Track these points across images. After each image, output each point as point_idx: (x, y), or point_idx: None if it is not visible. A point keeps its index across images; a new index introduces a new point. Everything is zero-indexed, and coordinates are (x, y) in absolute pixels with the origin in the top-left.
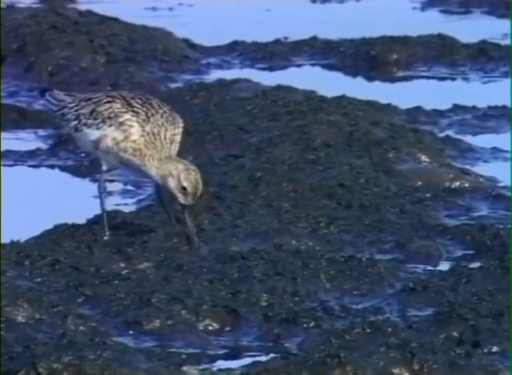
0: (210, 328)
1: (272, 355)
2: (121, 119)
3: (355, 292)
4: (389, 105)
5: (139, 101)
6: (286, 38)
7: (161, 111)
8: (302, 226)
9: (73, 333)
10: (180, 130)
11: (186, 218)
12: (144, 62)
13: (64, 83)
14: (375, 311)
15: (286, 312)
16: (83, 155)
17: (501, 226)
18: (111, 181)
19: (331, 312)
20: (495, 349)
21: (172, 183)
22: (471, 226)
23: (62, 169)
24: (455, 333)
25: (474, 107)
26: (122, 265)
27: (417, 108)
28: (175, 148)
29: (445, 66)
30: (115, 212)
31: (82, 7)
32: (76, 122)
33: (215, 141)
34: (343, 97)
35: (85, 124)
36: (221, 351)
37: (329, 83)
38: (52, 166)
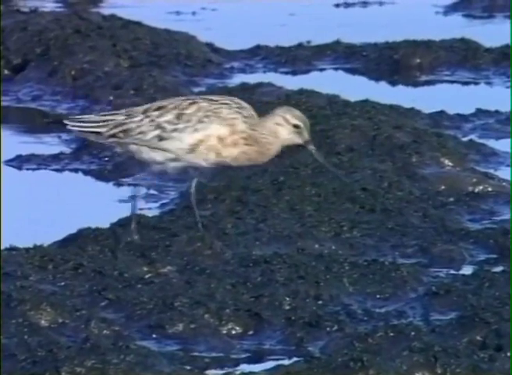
0: (233, 332)
1: (294, 358)
2: (222, 115)
3: (378, 296)
4: (412, 109)
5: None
6: (309, 42)
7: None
8: (325, 230)
9: (96, 337)
10: None
11: (315, 155)
12: (167, 66)
13: (87, 87)
14: (397, 315)
15: (308, 316)
16: (106, 159)
17: None
18: (134, 186)
19: (354, 315)
20: None
21: (285, 131)
22: (494, 230)
23: (86, 173)
24: (478, 337)
25: (497, 111)
26: (146, 269)
27: (441, 113)
28: None
29: (468, 70)
30: (138, 216)
31: (105, 11)
32: (158, 131)
33: None
34: (366, 101)
35: (175, 130)
36: (244, 355)
37: (352, 88)
38: (76, 170)
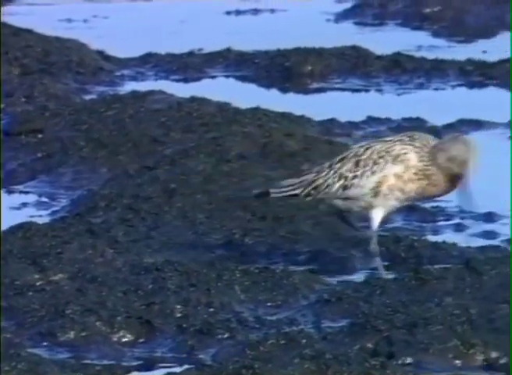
0: (124, 339)
1: (186, 366)
2: (394, 153)
3: (269, 303)
4: (303, 116)
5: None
6: (200, 50)
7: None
8: (216, 238)
9: None
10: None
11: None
12: (58, 73)
13: None
14: (289, 322)
15: (200, 324)
16: None
17: (415, 238)
18: (26, 193)
19: (245, 323)
20: (409, 360)
21: (442, 157)
22: (386, 237)
23: None
24: (369, 345)
25: (388, 119)
26: (37, 276)
27: (332, 120)
28: None
29: (359, 77)
30: (29, 223)
31: None
32: (341, 181)
33: (130, 152)
34: (257, 109)
35: (355, 177)
36: (135, 363)
37: (244, 95)
38: None
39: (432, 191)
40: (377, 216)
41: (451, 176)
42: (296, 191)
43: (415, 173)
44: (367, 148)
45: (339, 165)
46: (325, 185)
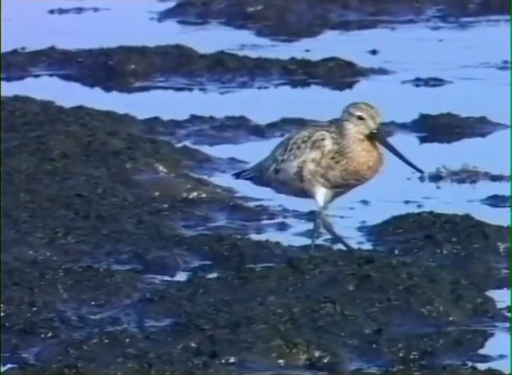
0: None
1: (9, 365)
2: (313, 138)
3: (93, 302)
4: (126, 115)
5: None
6: (23, 49)
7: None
8: (39, 237)
9: None
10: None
11: (387, 145)
12: None
13: None
14: (112, 321)
15: (23, 323)
16: None
17: (238, 237)
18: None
19: (68, 322)
20: (232, 360)
21: (351, 125)
22: (209, 236)
23: None
24: (193, 344)
25: (211, 117)
26: None
27: (155, 119)
28: None
29: (182, 76)
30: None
31: None
32: (274, 164)
33: None
34: (80, 107)
35: (282, 160)
36: None
37: (67, 94)
38: None
39: (354, 167)
40: (317, 200)
41: (369, 140)
42: (252, 174)
43: (332, 158)
44: (298, 132)
45: (277, 148)
46: (265, 168)
